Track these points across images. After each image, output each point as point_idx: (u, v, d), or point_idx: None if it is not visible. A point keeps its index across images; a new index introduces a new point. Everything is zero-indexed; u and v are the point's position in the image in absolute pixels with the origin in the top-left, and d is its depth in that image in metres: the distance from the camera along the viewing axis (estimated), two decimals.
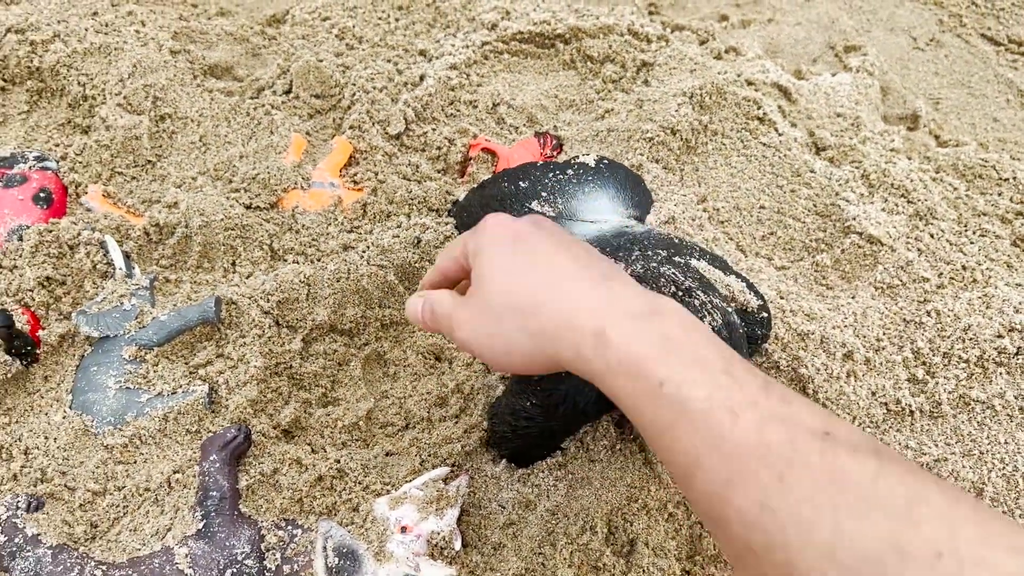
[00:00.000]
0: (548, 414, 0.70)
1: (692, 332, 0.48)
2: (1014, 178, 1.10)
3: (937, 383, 0.85)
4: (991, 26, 1.38)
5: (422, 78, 1.16)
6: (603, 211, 0.83)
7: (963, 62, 1.35)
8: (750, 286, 0.73)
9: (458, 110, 1.14)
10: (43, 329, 0.88)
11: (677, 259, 0.70)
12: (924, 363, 0.87)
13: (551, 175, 0.87)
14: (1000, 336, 0.87)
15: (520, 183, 0.86)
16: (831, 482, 0.38)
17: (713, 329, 0.61)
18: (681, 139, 1.05)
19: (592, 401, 0.67)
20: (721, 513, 0.41)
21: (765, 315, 0.72)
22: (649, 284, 0.66)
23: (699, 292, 0.63)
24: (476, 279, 0.57)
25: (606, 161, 0.91)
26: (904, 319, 0.91)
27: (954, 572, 0.33)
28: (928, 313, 0.90)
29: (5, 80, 1.13)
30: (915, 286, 0.94)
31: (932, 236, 0.99)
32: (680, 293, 0.64)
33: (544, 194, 0.84)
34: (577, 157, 0.93)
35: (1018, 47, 1.35)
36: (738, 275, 0.73)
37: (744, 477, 0.40)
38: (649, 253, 0.71)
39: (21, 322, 0.86)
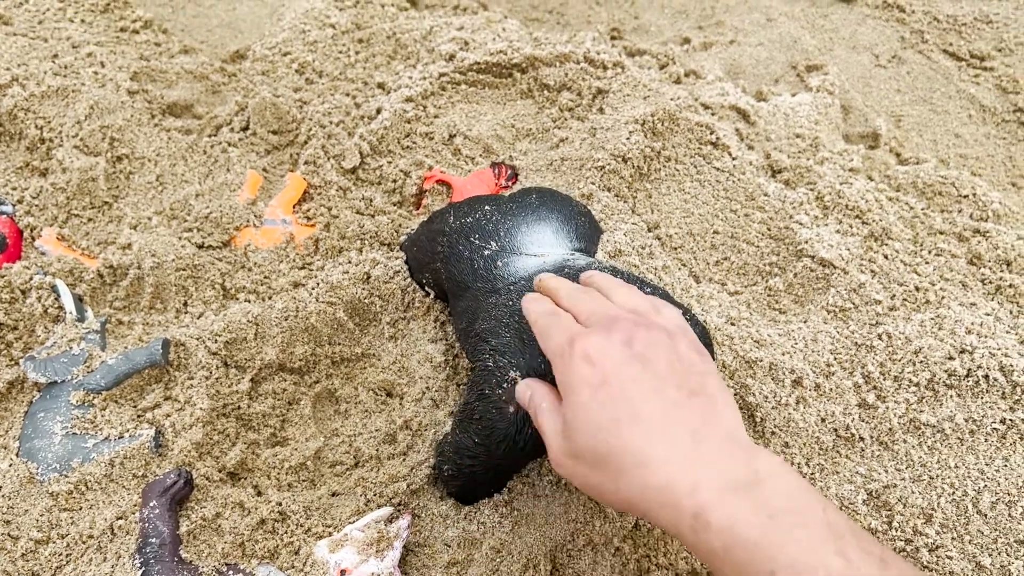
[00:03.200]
0: (489, 452, 0.70)
1: (797, 498, 0.46)
2: (973, 194, 1.09)
3: (887, 407, 0.85)
4: (952, 41, 1.38)
5: (378, 111, 1.16)
6: (547, 244, 0.83)
7: (925, 78, 1.35)
8: (690, 316, 0.73)
9: (414, 142, 1.15)
10: None
11: None
12: (875, 387, 0.87)
13: (495, 209, 0.87)
14: (951, 358, 0.86)
15: (465, 218, 0.86)
16: None
17: None
18: (633, 167, 1.05)
19: (532, 440, 0.67)
20: None
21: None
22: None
23: None
24: (565, 420, 0.55)
25: (550, 193, 0.91)
26: (855, 343, 0.90)
27: None
28: (879, 336, 0.90)
29: None
30: (867, 308, 0.93)
31: (886, 257, 0.99)
32: None
33: (489, 228, 0.84)
34: (523, 190, 0.93)
35: (980, 62, 1.35)
36: (679, 305, 0.73)
37: None
38: None
39: None
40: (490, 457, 0.71)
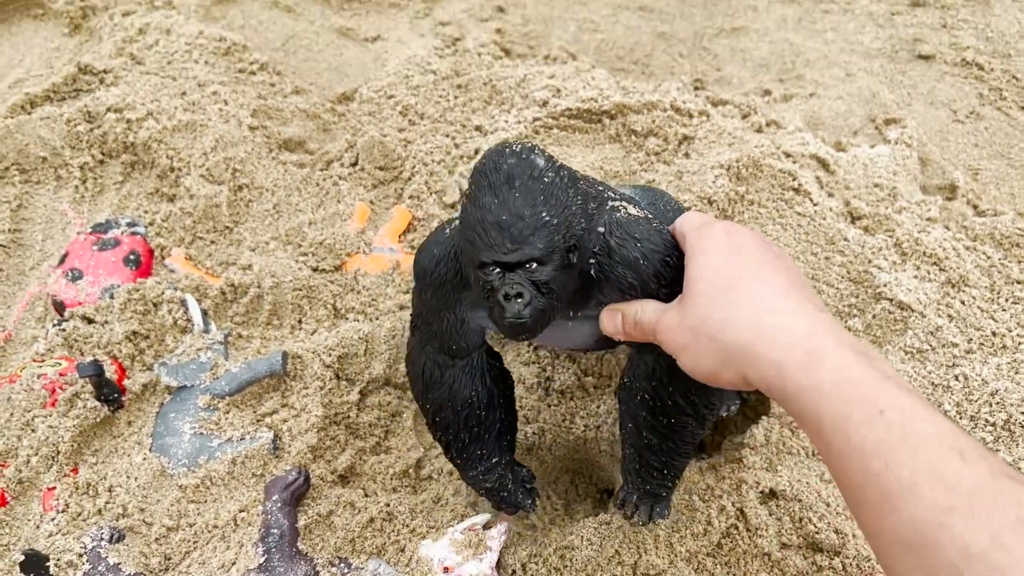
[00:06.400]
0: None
1: (908, 383, 0.49)
2: None
3: None
4: None
5: (477, 151, 1.25)
6: None
7: (1003, 134, 1.38)
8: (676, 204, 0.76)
9: None
10: (128, 378, 0.97)
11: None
12: None
13: None
14: None
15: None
16: None
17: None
18: (718, 208, 1.11)
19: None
20: (933, 539, 0.41)
21: None
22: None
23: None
24: (687, 282, 0.60)
25: None
26: (932, 383, 0.94)
27: None
28: (956, 377, 0.93)
29: (103, 154, 1.25)
30: (944, 351, 0.97)
31: (963, 303, 1.03)
32: None
33: None
34: None
35: None
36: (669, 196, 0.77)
37: (973, 511, 0.40)
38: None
39: (110, 372, 0.96)
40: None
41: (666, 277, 0.65)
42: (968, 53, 1.51)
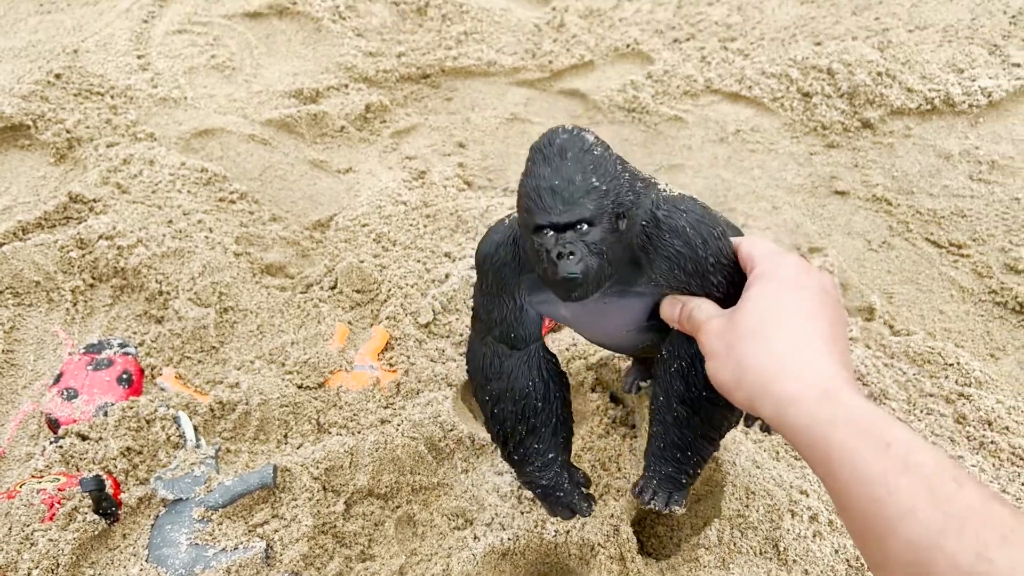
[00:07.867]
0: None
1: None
2: (957, 363, 1.27)
3: None
4: (934, 232, 1.61)
5: (447, 276, 1.36)
6: None
7: (911, 262, 1.56)
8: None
9: None
10: (124, 492, 1.03)
11: None
12: None
13: None
14: None
15: None
16: None
17: None
18: None
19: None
20: (929, 558, 0.46)
21: None
22: None
23: None
24: (744, 298, 0.66)
25: None
26: None
27: None
28: None
29: (94, 278, 1.33)
30: None
31: None
32: None
33: None
34: None
35: (958, 249, 1.57)
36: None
37: (964, 531, 0.45)
38: None
39: (106, 486, 1.02)
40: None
41: (714, 250, 0.71)
42: (877, 190, 1.71)
